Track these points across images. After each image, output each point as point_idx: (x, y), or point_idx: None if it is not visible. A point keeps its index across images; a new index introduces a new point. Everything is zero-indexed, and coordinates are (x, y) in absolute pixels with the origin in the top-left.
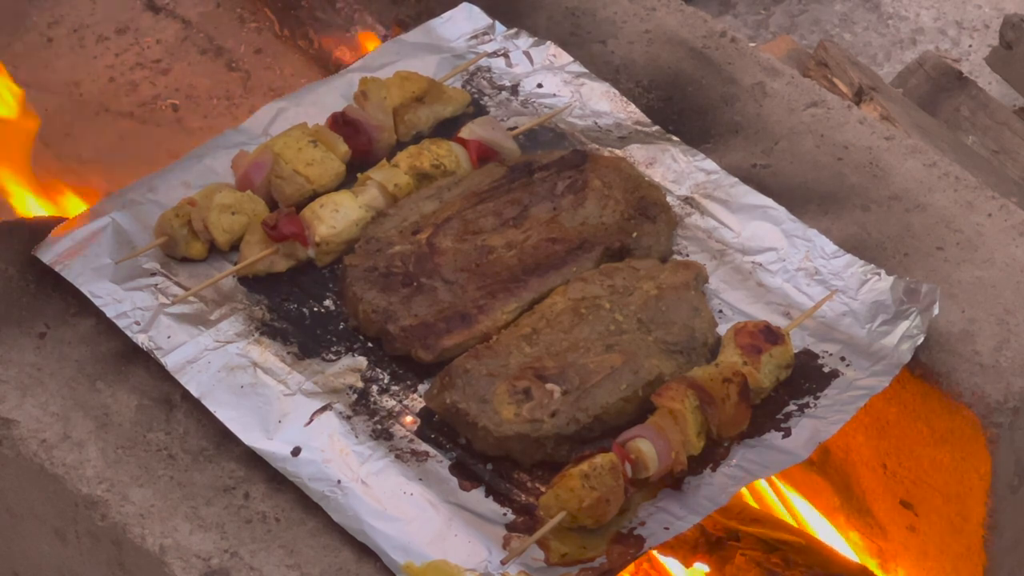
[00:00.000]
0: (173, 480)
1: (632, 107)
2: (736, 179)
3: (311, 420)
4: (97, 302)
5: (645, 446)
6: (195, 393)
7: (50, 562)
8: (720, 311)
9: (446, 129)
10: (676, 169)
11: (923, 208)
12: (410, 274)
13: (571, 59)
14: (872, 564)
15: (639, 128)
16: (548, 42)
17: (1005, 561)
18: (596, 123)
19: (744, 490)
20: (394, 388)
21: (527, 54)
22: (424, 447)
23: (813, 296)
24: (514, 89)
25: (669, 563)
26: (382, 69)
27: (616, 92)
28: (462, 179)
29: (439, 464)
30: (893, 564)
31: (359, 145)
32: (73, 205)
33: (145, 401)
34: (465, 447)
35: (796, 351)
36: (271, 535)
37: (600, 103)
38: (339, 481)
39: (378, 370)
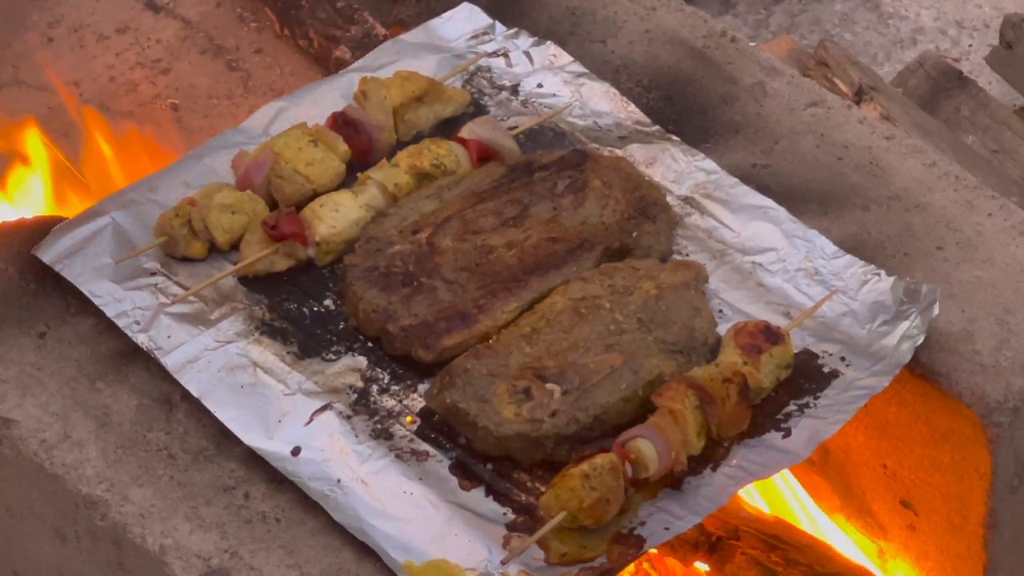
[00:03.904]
0: (173, 480)
1: (632, 107)
2: (736, 179)
3: (311, 420)
4: (97, 302)
5: (645, 446)
6: (195, 393)
7: (50, 562)
8: (720, 311)
9: (446, 129)
10: (676, 169)
11: (923, 208)
12: (410, 274)
13: (571, 59)
14: (872, 564)
15: (639, 128)
16: (548, 42)
17: (1005, 561)
18: (596, 123)
19: (744, 489)
20: (394, 388)
21: (527, 54)
22: (424, 447)
23: (813, 296)
24: (514, 89)
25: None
26: (382, 69)
27: (616, 92)
28: (462, 179)
29: (439, 464)
30: (893, 564)
31: (359, 145)
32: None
33: (145, 401)
34: (465, 447)
35: (796, 351)
36: (271, 535)
37: (600, 103)
38: (339, 480)
39: (378, 370)
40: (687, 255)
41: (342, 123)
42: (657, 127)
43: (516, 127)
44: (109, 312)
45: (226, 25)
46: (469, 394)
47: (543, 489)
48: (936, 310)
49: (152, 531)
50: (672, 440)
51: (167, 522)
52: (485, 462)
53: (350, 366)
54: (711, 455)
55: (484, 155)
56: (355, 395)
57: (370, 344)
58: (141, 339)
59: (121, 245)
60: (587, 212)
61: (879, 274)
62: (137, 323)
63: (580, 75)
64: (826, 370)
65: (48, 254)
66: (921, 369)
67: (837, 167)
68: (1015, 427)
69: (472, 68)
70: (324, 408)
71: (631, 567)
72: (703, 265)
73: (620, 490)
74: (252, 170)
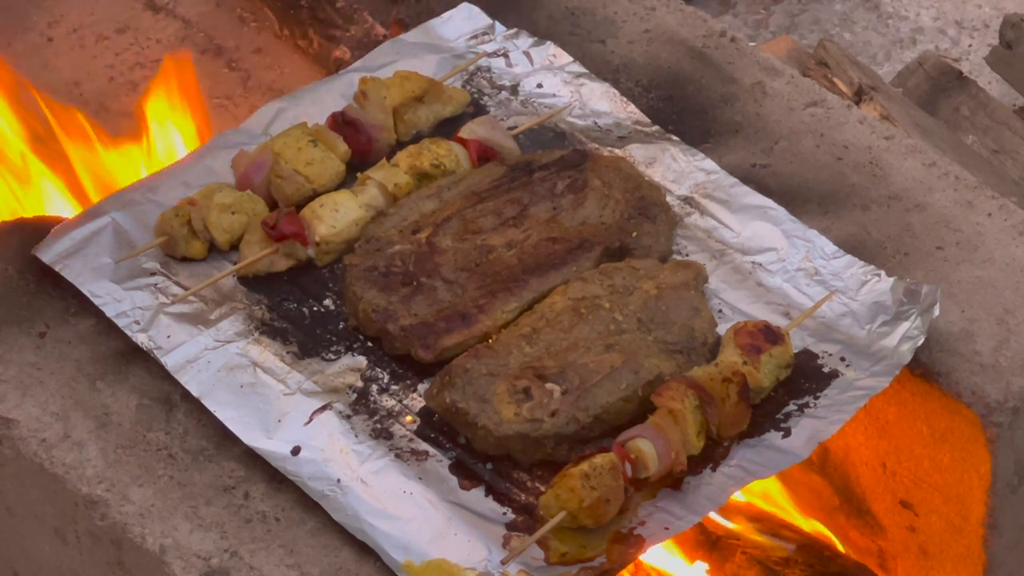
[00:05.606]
0: (173, 480)
1: (632, 107)
2: (736, 179)
3: (311, 419)
4: (97, 302)
5: (645, 446)
6: (195, 393)
7: (50, 562)
8: (720, 311)
9: (446, 129)
10: (676, 169)
11: (923, 208)
12: (410, 273)
13: (571, 59)
14: (872, 564)
15: (639, 128)
16: (548, 42)
17: (1005, 561)
18: (596, 123)
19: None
20: (394, 387)
21: (527, 54)
22: (424, 446)
23: (813, 296)
24: (514, 89)
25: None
26: (382, 69)
27: (616, 92)
28: (462, 179)
29: (439, 463)
30: (893, 564)
31: (359, 145)
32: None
33: (145, 401)
34: (465, 446)
35: (796, 351)
36: (271, 535)
37: (600, 103)
38: (339, 480)
39: (378, 370)
40: (687, 255)
41: (342, 123)
42: (657, 127)
43: (516, 127)
44: (109, 312)
45: (226, 25)
46: (469, 394)
47: (543, 489)
48: (936, 311)
49: (152, 531)
50: (672, 440)
51: (167, 522)
52: (485, 462)
53: (350, 366)
54: (711, 455)
55: (484, 155)
56: (355, 395)
57: (370, 344)
58: (141, 339)
59: (121, 245)
60: (587, 212)
61: (879, 274)
62: (137, 323)
63: (580, 75)
64: (826, 370)
65: (48, 254)
66: (921, 369)
67: (837, 167)
68: (1015, 427)
69: (472, 68)
70: (324, 408)
71: (631, 567)
72: (703, 265)
73: (620, 490)
74: (252, 170)
